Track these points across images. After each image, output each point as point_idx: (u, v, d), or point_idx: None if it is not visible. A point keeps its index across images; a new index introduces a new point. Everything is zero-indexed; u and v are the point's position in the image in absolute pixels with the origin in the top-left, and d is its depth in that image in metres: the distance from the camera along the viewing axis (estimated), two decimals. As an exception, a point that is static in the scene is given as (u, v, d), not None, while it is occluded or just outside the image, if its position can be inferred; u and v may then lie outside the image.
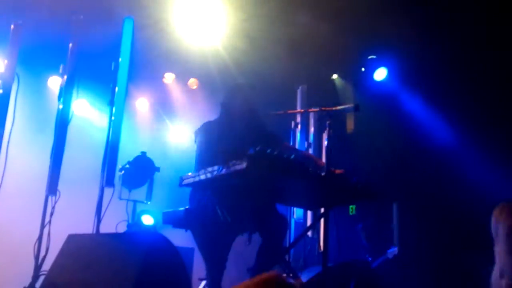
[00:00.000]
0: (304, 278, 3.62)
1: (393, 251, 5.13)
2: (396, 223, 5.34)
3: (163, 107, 7.44)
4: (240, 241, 3.60)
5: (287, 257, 4.21)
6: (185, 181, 3.25)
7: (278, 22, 5.62)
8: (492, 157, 5.20)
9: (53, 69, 5.53)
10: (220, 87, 5.88)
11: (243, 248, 3.41)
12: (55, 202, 3.90)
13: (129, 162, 5.85)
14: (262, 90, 4.17)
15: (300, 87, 5.70)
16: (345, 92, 6.71)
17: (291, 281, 3.42)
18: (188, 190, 3.55)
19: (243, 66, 6.11)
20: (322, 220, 3.74)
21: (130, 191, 5.89)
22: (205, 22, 5.80)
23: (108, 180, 3.83)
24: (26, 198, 5.21)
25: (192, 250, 5.10)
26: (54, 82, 6.30)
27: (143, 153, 6.05)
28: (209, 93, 6.81)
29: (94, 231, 3.70)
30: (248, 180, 2.99)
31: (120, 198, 5.74)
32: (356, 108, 3.75)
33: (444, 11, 5.26)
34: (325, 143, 3.55)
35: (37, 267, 3.70)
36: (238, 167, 2.84)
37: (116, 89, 4.10)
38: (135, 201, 5.94)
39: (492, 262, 2.18)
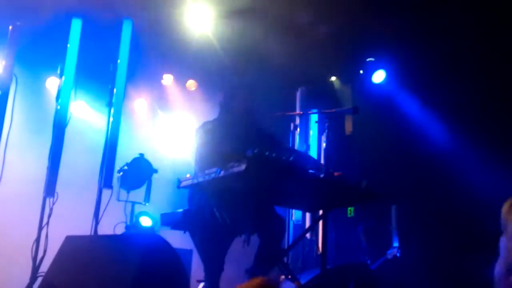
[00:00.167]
0: (302, 280, 3.61)
1: (393, 251, 5.14)
2: (395, 225, 5.35)
3: (162, 108, 7.43)
4: (238, 242, 3.59)
5: (285, 259, 4.20)
6: (183, 183, 3.24)
7: (278, 25, 5.63)
8: (491, 158, 5.20)
9: (51, 70, 5.51)
10: (219, 89, 5.88)
11: (241, 250, 3.40)
12: (53, 204, 3.89)
13: (127, 164, 5.84)
14: (261, 92, 4.17)
15: (299, 89, 5.70)
16: (344, 94, 6.71)
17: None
18: (186, 191, 3.54)
19: (242, 68, 6.11)
20: (320, 222, 3.75)
21: (128, 192, 5.88)
22: (204, 24, 5.80)
23: (106, 181, 3.84)
24: (23, 199, 5.21)
25: (190, 251, 5.09)
26: (52, 83, 6.26)
27: (141, 155, 6.04)
28: (207, 95, 6.80)
29: (92, 233, 3.69)
30: (246, 182, 2.97)
31: (118, 200, 5.72)
32: (354, 110, 3.75)
33: (443, 14, 5.27)
34: (323, 145, 3.56)
35: (35, 268, 3.69)
36: (236, 169, 2.83)
37: (115, 90, 4.10)
38: (133, 203, 5.91)
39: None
